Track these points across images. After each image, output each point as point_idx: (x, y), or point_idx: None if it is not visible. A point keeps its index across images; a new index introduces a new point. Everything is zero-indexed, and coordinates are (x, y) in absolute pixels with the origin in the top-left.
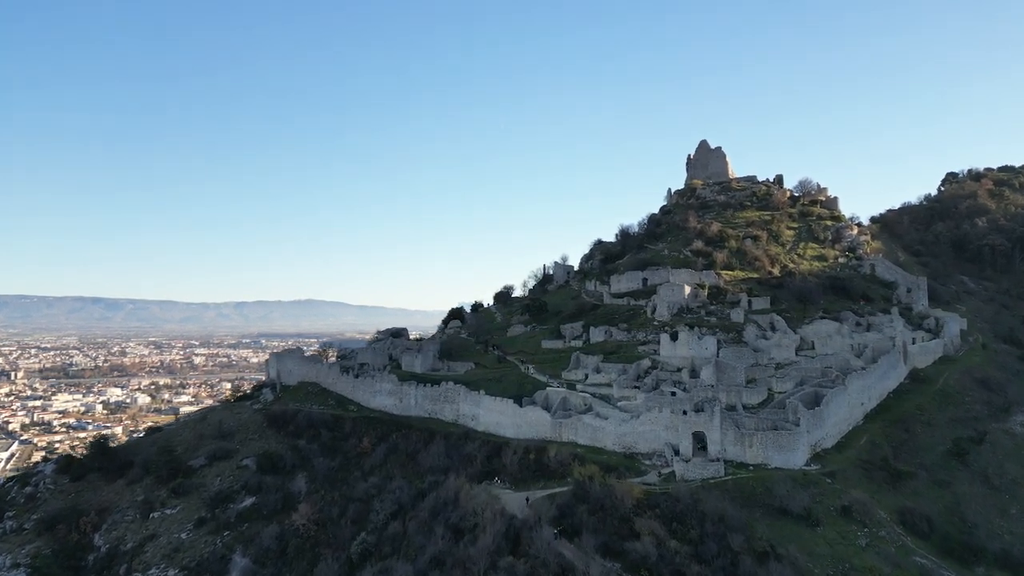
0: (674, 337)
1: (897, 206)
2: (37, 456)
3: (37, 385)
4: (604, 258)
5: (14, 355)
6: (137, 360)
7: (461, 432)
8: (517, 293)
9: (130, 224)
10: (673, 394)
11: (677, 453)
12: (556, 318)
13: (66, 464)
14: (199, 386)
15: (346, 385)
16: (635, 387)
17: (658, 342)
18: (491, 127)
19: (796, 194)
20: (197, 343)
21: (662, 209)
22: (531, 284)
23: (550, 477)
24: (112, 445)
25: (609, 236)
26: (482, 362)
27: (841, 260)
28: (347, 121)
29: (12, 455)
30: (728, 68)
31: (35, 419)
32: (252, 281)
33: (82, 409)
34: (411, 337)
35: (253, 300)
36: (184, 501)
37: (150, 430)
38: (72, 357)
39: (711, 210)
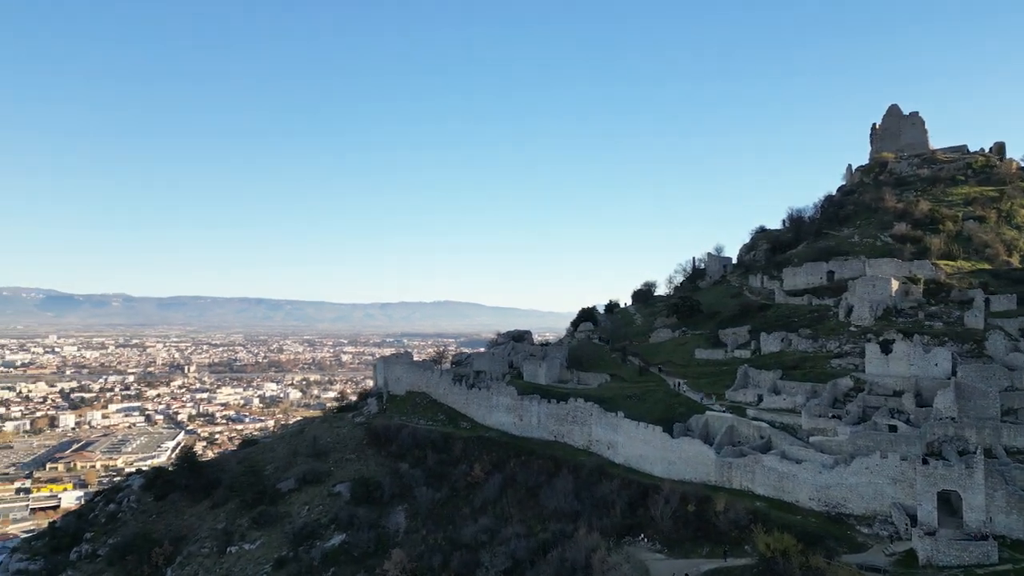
0: (886, 348)
1: None
2: (199, 446)
3: (206, 378)
4: (771, 248)
5: (189, 350)
6: (292, 357)
7: (594, 465)
8: (660, 291)
9: (290, 231)
10: (893, 429)
11: (914, 520)
12: (712, 321)
13: (152, 479)
14: (345, 383)
15: (458, 397)
16: (833, 416)
17: (859, 354)
18: (629, 110)
19: None
20: (346, 341)
21: (841, 189)
22: (678, 280)
23: (718, 541)
24: (202, 460)
25: (774, 223)
26: (619, 373)
27: None
28: (477, 118)
29: (178, 444)
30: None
31: (201, 410)
32: (396, 283)
33: (241, 402)
34: (536, 341)
35: (397, 301)
36: (266, 534)
37: (244, 443)
38: (237, 353)
39: (911, 186)
